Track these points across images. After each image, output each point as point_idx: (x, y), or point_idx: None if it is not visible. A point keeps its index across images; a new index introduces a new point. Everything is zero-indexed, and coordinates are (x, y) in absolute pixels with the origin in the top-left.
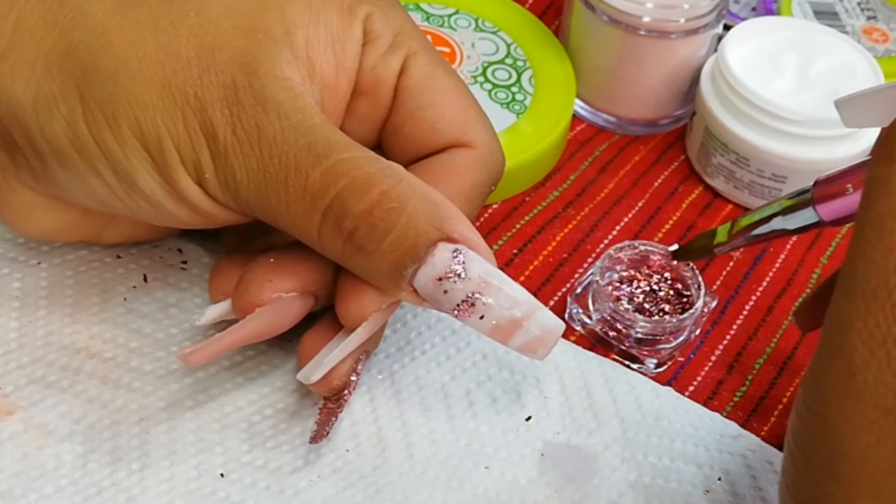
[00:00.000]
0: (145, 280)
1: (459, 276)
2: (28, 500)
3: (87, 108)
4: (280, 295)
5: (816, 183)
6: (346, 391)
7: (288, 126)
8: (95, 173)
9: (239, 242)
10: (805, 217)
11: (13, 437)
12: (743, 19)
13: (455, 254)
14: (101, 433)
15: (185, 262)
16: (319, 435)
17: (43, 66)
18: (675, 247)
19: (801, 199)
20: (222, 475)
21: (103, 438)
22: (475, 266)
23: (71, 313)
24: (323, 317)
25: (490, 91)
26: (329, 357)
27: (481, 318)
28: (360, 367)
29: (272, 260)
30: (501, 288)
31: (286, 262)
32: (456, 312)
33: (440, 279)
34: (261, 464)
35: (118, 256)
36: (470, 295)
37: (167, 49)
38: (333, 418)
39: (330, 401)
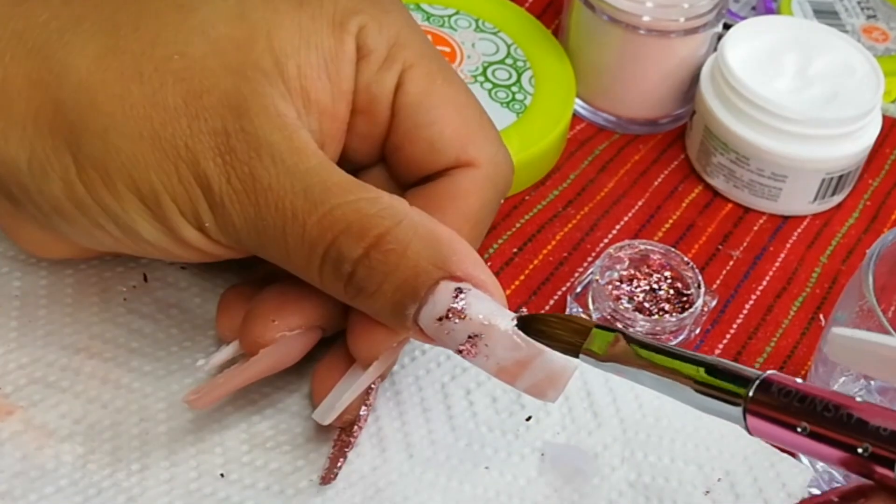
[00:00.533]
0: (145, 279)
1: (461, 315)
2: (28, 500)
3: (80, 167)
4: (284, 334)
5: (762, 383)
6: (356, 426)
7: (283, 171)
8: (98, 226)
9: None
10: (724, 410)
11: (13, 437)
12: (743, 18)
13: (456, 293)
14: (102, 433)
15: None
16: (329, 476)
17: (33, 126)
18: (522, 311)
19: (729, 391)
20: (222, 475)
21: (103, 439)
22: (478, 306)
23: (71, 313)
24: (334, 345)
25: (490, 90)
26: (341, 400)
27: (486, 358)
28: (371, 398)
29: (276, 296)
30: (504, 329)
31: (290, 297)
32: (461, 352)
33: (440, 319)
34: (261, 464)
35: (117, 255)
36: (472, 335)
37: (153, 100)
38: (342, 459)
39: (344, 432)
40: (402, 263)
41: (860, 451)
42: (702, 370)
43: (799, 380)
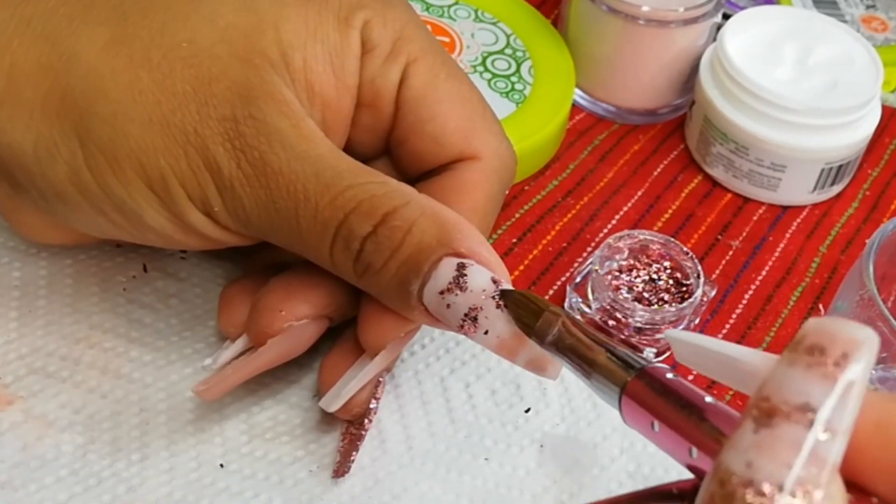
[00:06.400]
0: (145, 270)
1: (461, 288)
2: (28, 490)
3: (87, 152)
4: (292, 324)
5: (643, 370)
6: (366, 419)
7: (294, 156)
8: (101, 213)
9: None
10: (607, 394)
11: (13, 427)
12: (742, 8)
13: (459, 267)
14: (101, 424)
15: (184, 252)
16: (342, 469)
17: (41, 111)
18: (506, 286)
19: (615, 375)
20: (222, 466)
21: (103, 429)
22: (478, 279)
23: (71, 303)
24: (341, 337)
25: (490, 81)
26: (348, 387)
27: (486, 333)
28: (379, 391)
29: (282, 286)
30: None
31: (296, 287)
32: (461, 328)
33: (442, 293)
34: (260, 454)
35: (117, 245)
36: (472, 308)
37: (162, 86)
38: (355, 452)
39: (353, 425)
40: (408, 240)
41: (692, 452)
42: (604, 355)
43: (671, 375)
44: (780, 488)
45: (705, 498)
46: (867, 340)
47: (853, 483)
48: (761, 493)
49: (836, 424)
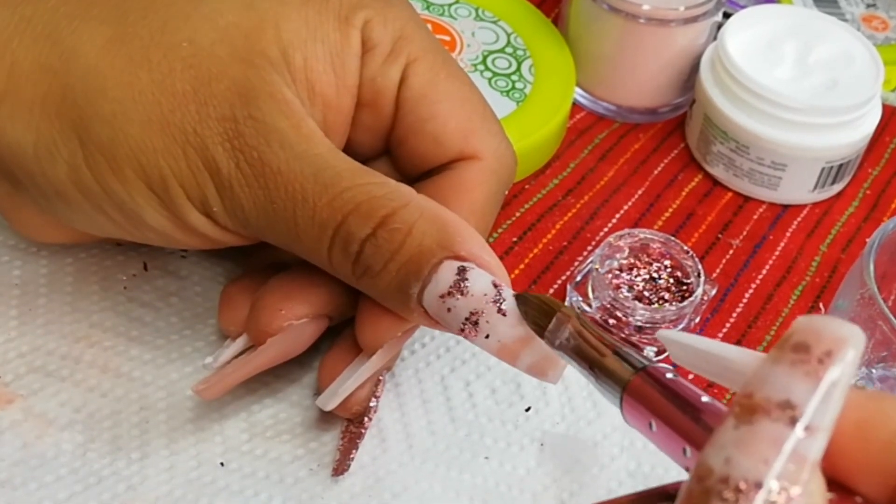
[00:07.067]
0: (145, 268)
1: (462, 292)
2: (28, 489)
3: (87, 151)
4: (291, 323)
5: (644, 369)
6: (366, 417)
7: (293, 156)
8: (101, 212)
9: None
10: (611, 394)
11: (13, 425)
12: (742, 7)
13: (459, 271)
14: (101, 422)
15: (184, 250)
16: (342, 468)
17: (41, 110)
18: (507, 290)
19: (618, 375)
20: (222, 464)
21: (103, 427)
22: (479, 283)
23: (71, 302)
24: (341, 336)
25: (490, 79)
26: (344, 386)
27: (487, 337)
28: (379, 390)
29: (282, 285)
30: (505, 305)
31: (296, 286)
32: (462, 332)
33: (443, 296)
34: (260, 453)
35: (118, 244)
36: (473, 312)
37: (162, 85)
38: (354, 450)
39: (353, 424)
40: (408, 242)
41: (686, 452)
42: (610, 356)
43: (671, 375)
44: (757, 485)
45: (684, 495)
46: (852, 338)
47: (837, 482)
48: (738, 490)
49: (816, 422)
